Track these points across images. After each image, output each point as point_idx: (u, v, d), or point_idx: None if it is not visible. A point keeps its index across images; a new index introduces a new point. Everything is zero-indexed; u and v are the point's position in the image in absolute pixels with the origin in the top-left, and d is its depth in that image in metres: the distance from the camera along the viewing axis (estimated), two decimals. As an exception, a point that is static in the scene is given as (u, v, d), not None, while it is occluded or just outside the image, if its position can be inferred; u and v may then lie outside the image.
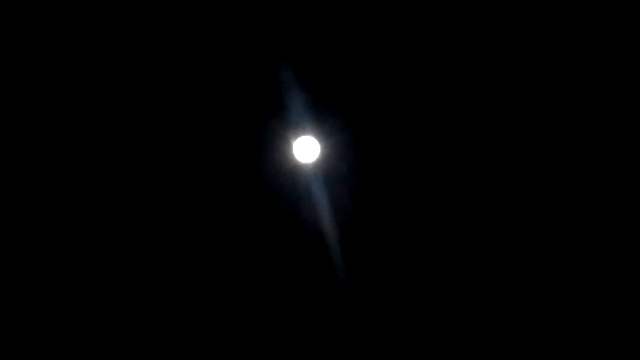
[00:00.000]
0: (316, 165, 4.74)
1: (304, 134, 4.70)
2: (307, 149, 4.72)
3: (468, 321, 4.97)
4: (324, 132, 4.72)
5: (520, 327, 4.95)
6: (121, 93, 4.66)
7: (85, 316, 4.91)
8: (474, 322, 4.97)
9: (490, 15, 4.51)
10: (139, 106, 4.69)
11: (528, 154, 4.78)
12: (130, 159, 4.78)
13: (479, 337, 4.98)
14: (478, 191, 4.88)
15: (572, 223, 4.86)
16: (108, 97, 4.66)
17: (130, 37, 4.52)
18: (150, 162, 4.78)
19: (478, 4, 4.46)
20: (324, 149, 4.72)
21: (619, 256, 4.84)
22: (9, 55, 4.46)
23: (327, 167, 4.76)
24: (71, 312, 4.91)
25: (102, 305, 4.93)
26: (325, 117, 4.71)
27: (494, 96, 4.72)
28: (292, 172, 4.76)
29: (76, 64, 4.55)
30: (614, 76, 4.60)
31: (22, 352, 4.84)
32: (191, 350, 4.99)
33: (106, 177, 4.80)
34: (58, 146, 4.71)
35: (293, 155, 4.73)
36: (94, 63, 4.57)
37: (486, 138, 4.79)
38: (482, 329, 4.97)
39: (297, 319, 4.98)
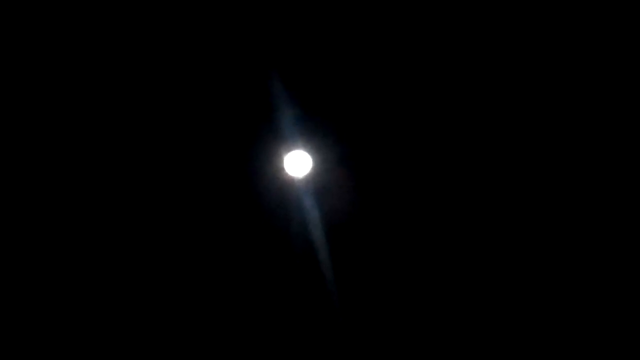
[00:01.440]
0: (307, 179, 4.75)
1: (295, 148, 4.71)
2: (298, 163, 4.73)
3: (456, 332, 5.01)
4: (315, 147, 4.73)
5: (512, 330, 4.98)
6: (113, 104, 4.66)
7: (74, 320, 4.93)
8: (462, 333, 5.01)
9: (475, 32, 4.54)
10: (131, 119, 4.69)
11: (518, 170, 4.82)
12: (121, 170, 4.78)
13: (468, 343, 5.02)
14: (469, 204, 4.91)
15: (561, 222, 4.88)
16: (101, 109, 4.66)
17: (122, 51, 4.52)
18: (141, 174, 4.78)
19: (465, 19, 4.48)
20: (315, 163, 4.74)
21: (618, 256, 4.87)
22: (9, 56, 4.46)
23: (318, 181, 4.77)
24: (62, 312, 4.92)
25: (88, 314, 4.95)
26: (316, 131, 4.72)
27: (484, 110, 4.75)
28: (283, 186, 4.77)
29: (66, 69, 4.55)
30: (614, 76, 4.62)
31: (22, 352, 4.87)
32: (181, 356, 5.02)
33: (97, 184, 4.80)
34: (44, 149, 4.71)
35: (284, 169, 4.74)
36: (85, 75, 4.58)
37: (478, 152, 4.82)
38: (471, 336, 5.01)
39: (288, 330, 5.00)
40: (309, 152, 4.72)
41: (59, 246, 4.85)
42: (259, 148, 4.74)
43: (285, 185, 4.77)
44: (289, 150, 4.72)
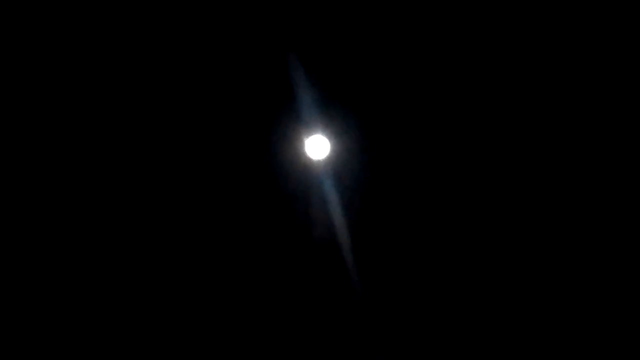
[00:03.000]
0: (326, 162, 4.87)
1: (315, 132, 4.84)
2: (318, 147, 4.86)
3: (475, 316, 5.01)
4: (334, 131, 4.86)
5: (525, 324, 4.99)
6: (132, 92, 4.83)
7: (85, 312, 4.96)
8: (480, 317, 5.01)
9: (492, 25, 4.71)
10: (155, 102, 4.85)
11: (534, 151, 4.92)
12: (145, 155, 4.91)
13: (484, 333, 5.02)
14: (485, 188, 4.99)
15: (576, 223, 4.94)
16: (117, 97, 4.82)
17: (138, 36, 4.70)
18: (164, 159, 4.91)
19: (483, 15, 4.66)
20: (334, 146, 4.86)
21: (618, 256, 4.91)
22: (9, 56, 4.61)
23: (337, 164, 4.89)
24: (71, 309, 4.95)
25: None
26: (336, 116, 4.87)
27: (499, 97, 4.90)
28: (303, 169, 4.89)
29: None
30: (614, 76, 4.75)
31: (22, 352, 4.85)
32: (202, 339, 5.03)
33: (118, 172, 4.92)
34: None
35: (305, 153, 4.86)
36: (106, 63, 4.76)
37: (494, 138, 4.95)
38: (488, 323, 5.01)
39: (308, 314, 5.04)
40: (328, 136, 4.85)
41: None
42: (280, 132, 4.88)
43: (306, 168, 4.88)
44: (309, 135, 4.85)
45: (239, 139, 4.93)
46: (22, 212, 4.86)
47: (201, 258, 5.00)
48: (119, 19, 4.68)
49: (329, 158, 4.88)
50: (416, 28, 4.79)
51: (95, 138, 4.90)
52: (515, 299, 4.99)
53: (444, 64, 4.86)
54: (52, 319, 4.89)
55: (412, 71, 4.86)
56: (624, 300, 4.87)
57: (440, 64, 4.86)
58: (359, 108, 4.91)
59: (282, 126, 4.87)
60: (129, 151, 4.93)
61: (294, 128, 4.86)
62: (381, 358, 4.97)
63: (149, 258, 4.99)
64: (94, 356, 4.88)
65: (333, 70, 4.83)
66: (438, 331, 5.00)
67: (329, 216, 4.92)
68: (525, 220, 4.99)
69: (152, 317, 4.98)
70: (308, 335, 5.03)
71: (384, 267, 5.01)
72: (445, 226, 5.00)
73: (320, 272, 4.98)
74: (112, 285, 4.96)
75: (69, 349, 4.87)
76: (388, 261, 5.02)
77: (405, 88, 4.89)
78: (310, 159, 4.89)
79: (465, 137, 4.96)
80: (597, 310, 4.91)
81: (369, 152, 4.94)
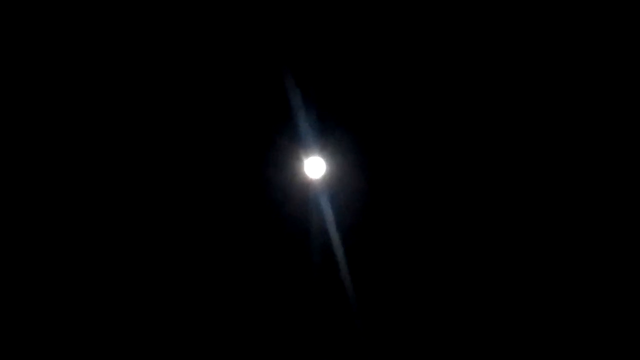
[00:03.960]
0: (323, 182, 5.09)
1: (312, 153, 5.05)
2: (314, 167, 5.08)
3: (471, 334, 5.22)
4: (331, 152, 5.07)
5: (522, 334, 5.18)
6: (140, 113, 5.02)
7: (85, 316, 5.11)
8: (477, 336, 5.22)
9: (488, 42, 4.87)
10: (155, 121, 5.04)
11: (526, 170, 5.10)
12: (144, 172, 5.11)
13: (482, 349, 5.22)
14: (481, 206, 5.19)
15: (575, 224, 5.10)
16: (125, 118, 5.01)
17: (146, 61, 4.89)
18: (164, 175, 5.11)
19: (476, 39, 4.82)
20: (330, 166, 5.08)
21: (619, 256, 5.06)
22: (9, 56, 4.72)
23: (333, 183, 5.10)
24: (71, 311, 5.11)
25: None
26: (332, 138, 5.07)
27: (492, 115, 5.07)
28: (300, 188, 5.10)
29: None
30: (614, 76, 4.87)
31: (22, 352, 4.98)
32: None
33: (120, 194, 5.12)
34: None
35: (303, 172, 5.08)
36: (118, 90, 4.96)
37: (489, 155, 5.13)
38: (486, 341, 5.22)
39: (305, 330, 5.24)
40: (324, 157, 5.06)
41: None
42: (280, 154, 5.09)
43: (303, 187, 5.10)
44: (307, 155, 5.05)
45: (243, 160, 5.13)
46: (22, 212, 5.00)
47: (199, 275, 5.20)
48: (114, 37, 4.84)
49: (325, 177, 5.10)
50: (411, 51, 4.95)
51: (90, 148, 5.06)
52: (506, 313, 5.20)
53: (438, 86, 5.03)
54: (48, 319, 5.06)
55: (406, 95, 5.04)
56: (623, 300, 5.03)
57: (435, 85, 5.03)
58: (355, 130, 5.11)
59: (282, 147, 5.08)
60: (128, 170, 5.11)
61: (293, 149, 5.06)
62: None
63: (147, 276, 5.19)
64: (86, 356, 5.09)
65: (330, 95, 5.02)
66: (433, 348, 5.20)
67: (326, 233, 5.14)
68: (518, 239, 5.18)
69: (143, 331, 5.18)
70: (304, 353, 5.23)
71: (381, 283, 5.22)
72: (441, 243, 5.20)
73: (318, 289, 5.20)
74: (97, 293, 5.15)
75: (66, 349, 5.06)
76: (385, 278, 5.23)
77: (399, 111, 5.08)
78: (308, 178, 5.10)
79: (459, 155, 5.14)
80: (592, 310, 5.09)
81: (364, 172, 5.15)
